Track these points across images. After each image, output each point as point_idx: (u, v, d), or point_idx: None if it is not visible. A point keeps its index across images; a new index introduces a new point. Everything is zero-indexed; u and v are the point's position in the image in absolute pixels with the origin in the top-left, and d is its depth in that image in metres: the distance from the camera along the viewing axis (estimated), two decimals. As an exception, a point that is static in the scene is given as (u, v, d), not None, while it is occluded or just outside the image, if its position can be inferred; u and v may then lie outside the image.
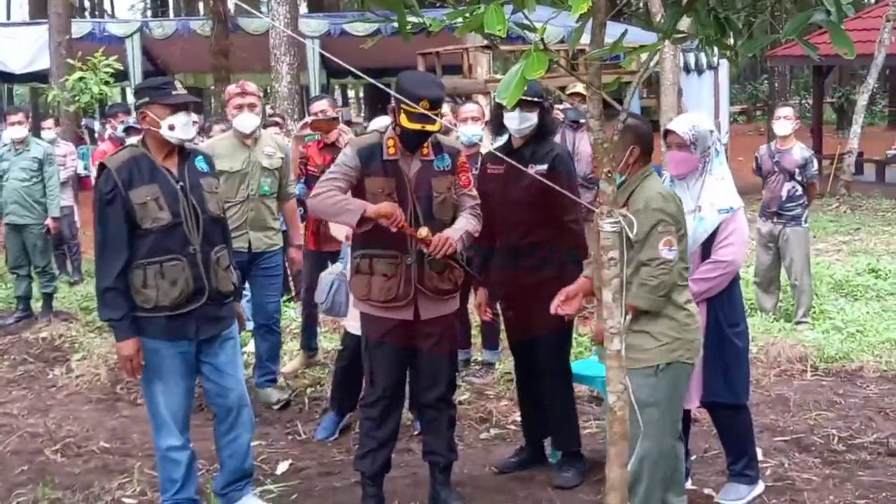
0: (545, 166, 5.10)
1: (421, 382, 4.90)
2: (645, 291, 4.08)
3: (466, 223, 4.78)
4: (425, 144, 4.73)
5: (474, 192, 4.94)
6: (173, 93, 4.51)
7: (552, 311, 4.63)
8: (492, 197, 5.14)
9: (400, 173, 4.69)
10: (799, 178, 8.23)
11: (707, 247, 4.57)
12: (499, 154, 4.91)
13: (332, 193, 4.61)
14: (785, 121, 8.30)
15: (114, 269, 4.37)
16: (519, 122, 5.16)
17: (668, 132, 4.64)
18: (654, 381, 4.13)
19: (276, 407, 6.52)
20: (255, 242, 6.47)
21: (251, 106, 6.41)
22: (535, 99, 5.09)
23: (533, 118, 5.16)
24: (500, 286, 5.34)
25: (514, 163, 4.73)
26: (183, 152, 4.61)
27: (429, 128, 4.58)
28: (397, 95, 4.50)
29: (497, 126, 5.34)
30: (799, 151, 8.30)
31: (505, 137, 5.42)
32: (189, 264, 4.46)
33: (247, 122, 6.40)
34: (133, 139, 8.56)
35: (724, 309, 4.62)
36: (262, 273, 6.60)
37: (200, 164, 4.67)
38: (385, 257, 4.67)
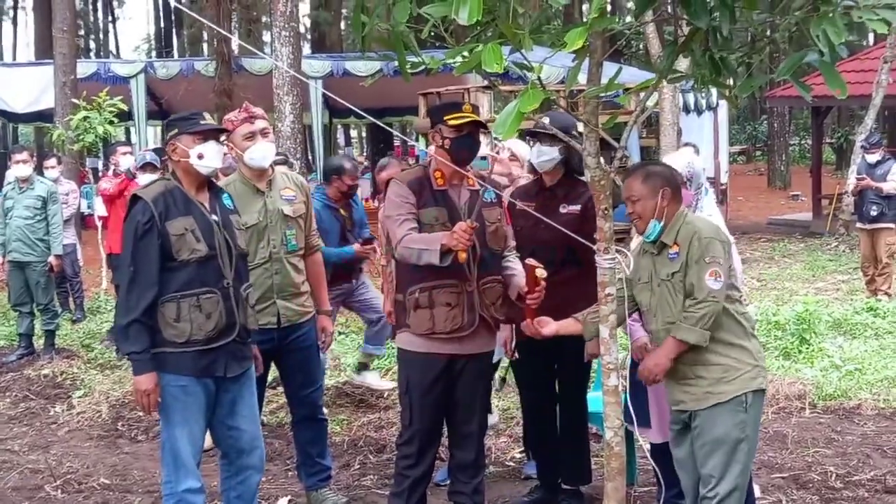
0: (578, 207, 4.99)
1: (454, 417, 4.81)
2: (691, 324, 4.01)
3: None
4: (469, 176, 4.67)
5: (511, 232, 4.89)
6: (201, 122, 4.46)
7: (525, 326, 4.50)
8: (520, 233, 4.95)
9: (451, 202, 4.64)
10: None
11: None
12: (515, 201, 4.85)
13: (414, 237, 4.50)
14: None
15: (143, 302, 4.24)
16: (537, 156, 5.05)
17: None
18: (745, 417, 4.07)
19: None
20: (286, 314, 5.11)
21: (264, 133, 5.04)
22: (554, 132, 4.61)
23: (552, 153, 4.98)
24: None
25: (522, 206, 4.71)
26: (213, 188, 4.56)
27: (479, 119, 4.59)
28: (436, 113, 4.59)
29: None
30: None
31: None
32: (223, 298, 4.36)
33: (263, 152, 5.03)
34: (147, 176, 8.52)
35: None
36: (299, 350, 5.22)
37: (227, 200, 4.60)
38: (446, 287, 4.56)
